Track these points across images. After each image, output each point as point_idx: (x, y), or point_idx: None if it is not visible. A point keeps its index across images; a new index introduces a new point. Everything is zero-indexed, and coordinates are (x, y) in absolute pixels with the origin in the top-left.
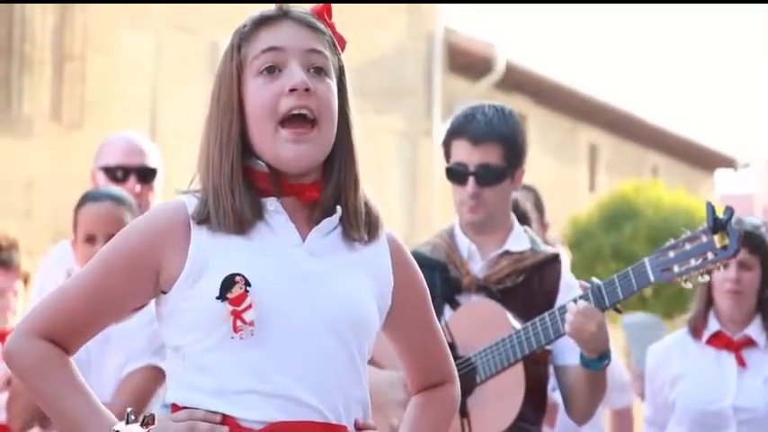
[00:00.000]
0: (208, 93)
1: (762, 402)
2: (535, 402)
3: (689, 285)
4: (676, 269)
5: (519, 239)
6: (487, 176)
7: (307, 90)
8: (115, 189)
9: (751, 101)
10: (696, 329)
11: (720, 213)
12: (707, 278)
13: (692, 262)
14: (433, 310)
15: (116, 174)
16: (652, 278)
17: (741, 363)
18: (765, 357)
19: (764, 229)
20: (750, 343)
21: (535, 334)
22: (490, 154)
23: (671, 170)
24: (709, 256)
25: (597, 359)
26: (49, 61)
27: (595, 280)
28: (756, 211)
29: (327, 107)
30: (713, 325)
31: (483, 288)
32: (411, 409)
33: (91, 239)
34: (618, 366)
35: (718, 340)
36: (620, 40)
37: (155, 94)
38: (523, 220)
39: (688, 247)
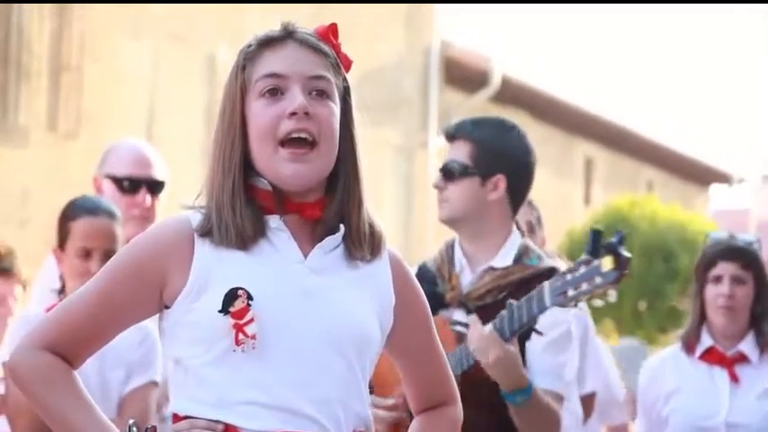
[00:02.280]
0: (204, 104)
1: (754, 418)
2: (486, 419)
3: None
4: (571, 293)
5: (506, 255)
6: (450, 171)
7: (306, 114)
8: (105, 201)
9: (746, 116)
10: (689, 345)
11: (611, 237)
12: (599, 303)
13: (584, 286)
14: (435, 330)
15: (123, 184)
16: (548, 303)
17: (734, 378)
18: (758, 373)
19: (758, 245)
20: (743, 359)
21: (466, 355)
22: (459, 151)
23: (666, 185)
24: (597, 280)
25: (510, 393)
26: (46, 71)
27: (511, 302)
28: (751, 227)
29: (327, 129)
30: (706, 340)
31: (463, 304)
32: (414, 429)
33: (86, 254)
34: (615, 383)
35: (710, 356)
36: (617, 55)
37: (151, 105)
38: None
39: (582, 270)
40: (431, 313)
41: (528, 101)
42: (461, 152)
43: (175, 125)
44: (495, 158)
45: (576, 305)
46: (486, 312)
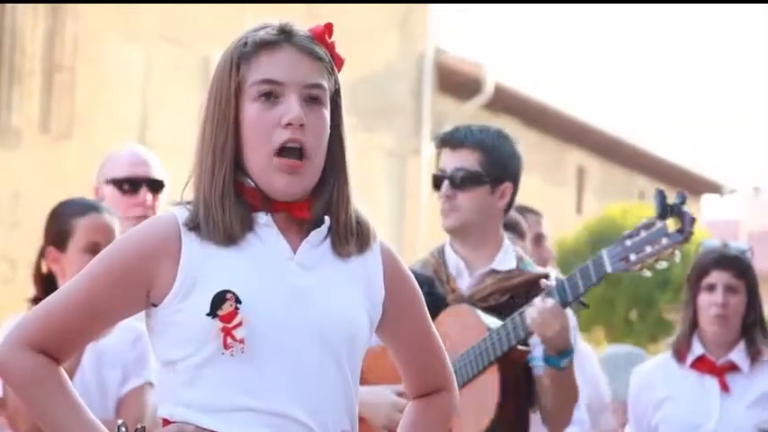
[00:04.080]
0: (198, 106)
1: (744, 428)
2: (515, 405)
3: (648, 274)
4: (633, 257)
5: (506, 258)
6: (461, 180)
7: (301, 125)
8: (96, 200)
9: (738, 127)
10: (680, 353)
11: (673, 199)
12: (664, 265)
13: (648, 249)
14: (430, 319)
15: (124, 186)
16: (609, 269)
17: (724, 387)
18: (749, 382)
19: (750, 255)
20: (733, 368)
21: (506, 335)
22: (466, 159)
23: None
24: (664, 241)
25: (557, 356)
26: (39, 72)
27: (559, 276)
28: (742, 237)
29: (318, 140)
30: (697, 349)
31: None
32: (408, 415)
33: (95, 249)
34: (604, 389)
35: (701, 364)
36: (609, 64)
37: (144, 107)
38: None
39: (644, 234)
40: (424, 301)
41: (520, 109)
42: (470, 160)
43: (169, 127)
44: (503, 166)
45: (641, 270)
46: (492, 314)
